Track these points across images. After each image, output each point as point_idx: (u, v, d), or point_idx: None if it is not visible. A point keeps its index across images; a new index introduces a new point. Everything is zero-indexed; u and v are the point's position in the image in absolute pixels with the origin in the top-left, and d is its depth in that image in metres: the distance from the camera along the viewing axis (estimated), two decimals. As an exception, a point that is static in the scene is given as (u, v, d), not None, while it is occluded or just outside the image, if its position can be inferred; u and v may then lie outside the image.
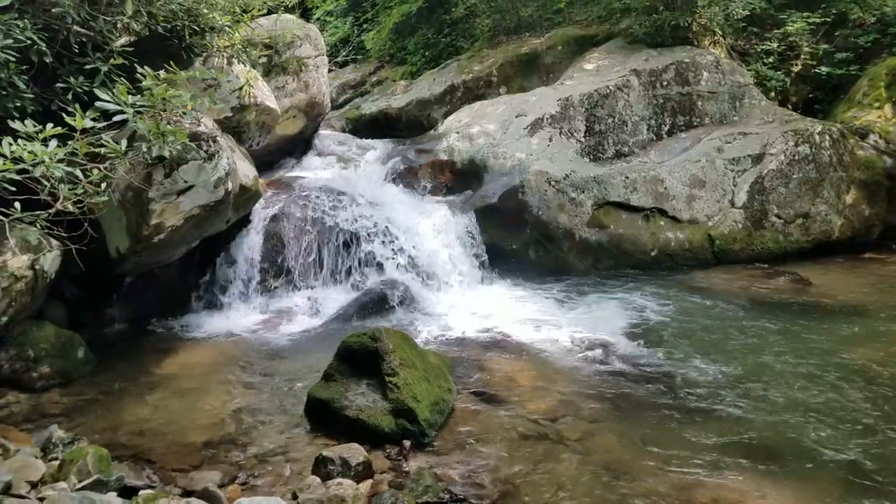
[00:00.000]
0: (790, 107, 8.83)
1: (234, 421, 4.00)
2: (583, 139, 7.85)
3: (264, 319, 5.92)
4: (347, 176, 7.79)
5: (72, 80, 4.56)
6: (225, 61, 6.38)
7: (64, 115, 3.69)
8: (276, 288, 6.30)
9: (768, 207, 7.50)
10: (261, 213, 6.56)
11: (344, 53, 13.33)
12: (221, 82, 6.49)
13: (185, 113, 4.24)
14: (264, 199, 6.72)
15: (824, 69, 8.82)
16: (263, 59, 7.85)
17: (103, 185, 3.79)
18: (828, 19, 8.86)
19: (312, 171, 8.08)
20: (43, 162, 3.39)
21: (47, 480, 2.84)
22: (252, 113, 7.01)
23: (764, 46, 9.13)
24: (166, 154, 4.07)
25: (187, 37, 5.75)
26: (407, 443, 3.53)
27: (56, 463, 3.03)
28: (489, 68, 9.84)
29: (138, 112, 3.98)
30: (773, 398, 4.19)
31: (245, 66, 6.49)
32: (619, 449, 3.66)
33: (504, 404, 4.15)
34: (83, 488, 2.75)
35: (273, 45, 7.80)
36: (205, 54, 6.27)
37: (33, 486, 2.77)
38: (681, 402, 4.18)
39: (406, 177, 7.84)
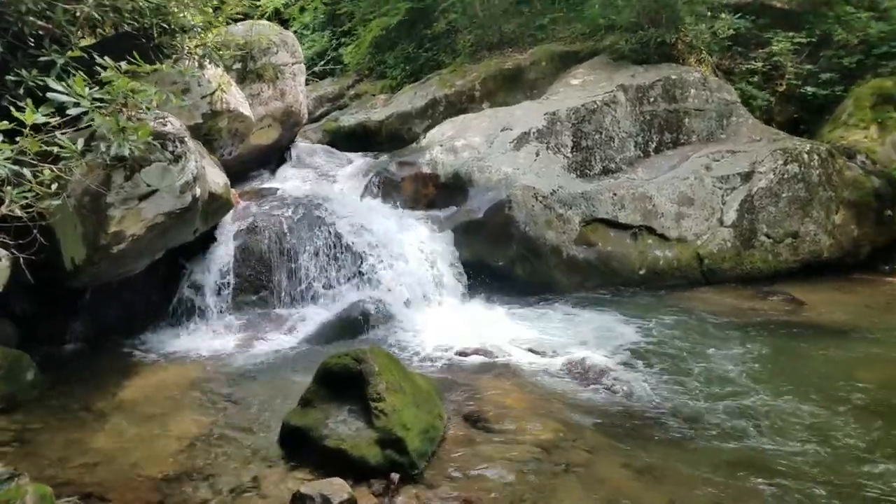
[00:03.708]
0: (775, 126, 8.73)
1: (201, 451, 3.58)
2: (570, 154, 7.62)
3: (235, 338, 5.50)
4: (325, 189, 7.45)
5: (24, 72, 4.15)
6: (196, 64, 6.02)
7: (13, 111, 3.31)
8: (247, 305, 5.89)
9: (757, 226, 7.34)
10: (232, 226, 6.18)
11: (321, 64, 13.01)
12: (192, 86, 6.12)
13: (148, 108, 3.86)
14: (236, 211, 6.33)
15: (809, 89, 8.76)
16: (238, 65, 7.50)
17: (54, 187, 3.38)
18: (812, 39, 8.81)
19: (288, 182, 7.71)
20: (-17, 159, 3.00)
21: (-26, 526, 2.40)
22: (224, 120, 6.64)
23: (749, 65, 9.05)
24: (126, 153, 3.67)
25: (156, 36, 5.39)
26: (395, 476, 3.15)
27: (-13, 504, 2.59)
28: (472, 83, 9.60)
29: (98, 107, 3.60)
30: (776, 424, 3.94)
31: (218, 67, 6.12)
32: (622, 479, 3.37)
33: (498, 431, 3.80)
34: (15, 536, 2.32)
35: (248, 50, 7.46)
36: (175, 56, 5.90)
37: (-45, 534, 2.34)
38: (681, 429, 3.91)
39: (387, 190, 7.50)
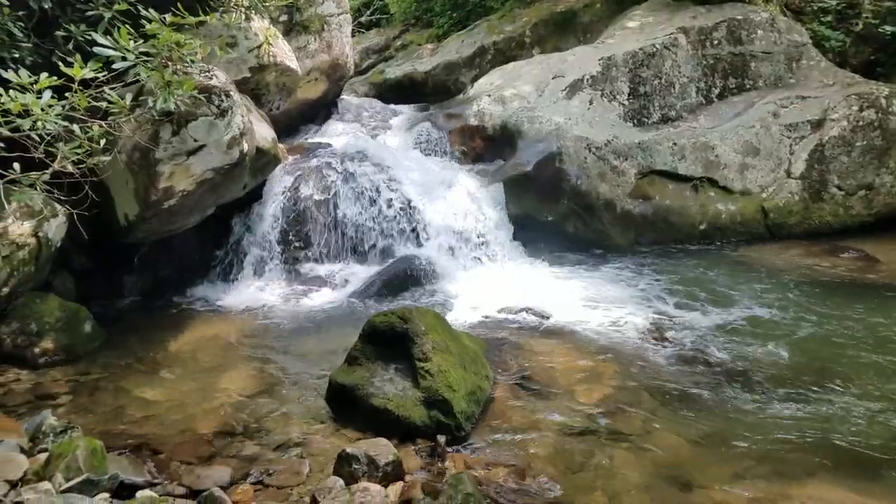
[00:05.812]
0: (849, 69, 8.10)
1: (250, 407, 3.62)
2: (626, 102, 7.26)
3: (284, 293, 5.55)
4: (371, 143, 7.33)
5: (73, 27, 4.12)
6: (242, 16, 5.91)
7: (61, 66, 3.28)
8: (297, 260, 5.91)
9: (828, 178, 6.88)
10: (282, 181, 6.16)
11: (367, 14, 12.76)
12: (239, 40, 6.03)
13: (193, 61, 3.78)
14: (285, 166, 6.30)
15: (888, 28, 8.05)
16: (284, 17, 7.37)
17: (103, 142, 3.37)
18: (895, -27, 8.09)
19: (335, 137, 7.62)
20: (31, 115, 2.99)
21: (30, 479, 2.47)
22: (271, 73, 6.54)
23: (821, 4, 8.39)
24: (172, 108, 3.62)
25: (201, -12, 5.28)
26: (441, 438, 3.10)
27: (44, 457, 2.66)
28: (522, 28, 9.23)
29: (144, 61, 3.55)
30: (857, 395, 3.66)
31: (264, 19, 6.00)
32: (683, 449, 3.19)
33: (548, 394, 3.71)
34: (69, 489, 2.37)
35: (294, 0, 7.30)
36: (221, 9, 5.81)
37: (13, 485, 2.40)
38: (749, 396, 3.69)
39: (433, 144, 7.35)
